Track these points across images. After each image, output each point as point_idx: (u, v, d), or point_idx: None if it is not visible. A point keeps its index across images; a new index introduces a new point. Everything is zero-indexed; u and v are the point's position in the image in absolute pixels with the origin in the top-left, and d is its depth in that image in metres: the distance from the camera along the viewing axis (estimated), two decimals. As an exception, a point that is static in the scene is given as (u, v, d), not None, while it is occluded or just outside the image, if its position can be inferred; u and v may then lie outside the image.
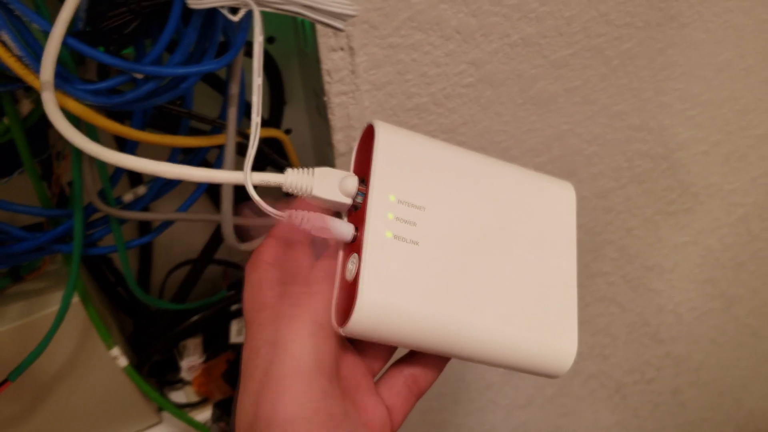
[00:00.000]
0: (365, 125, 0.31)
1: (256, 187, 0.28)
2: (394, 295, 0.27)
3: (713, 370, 0.94)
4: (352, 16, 0.31)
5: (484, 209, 0.31)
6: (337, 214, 0.30)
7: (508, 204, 0.32)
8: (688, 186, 0.70)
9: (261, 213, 0.28)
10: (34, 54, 0.32)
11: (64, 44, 0.30)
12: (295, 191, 0.29)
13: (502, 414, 0.79)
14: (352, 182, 0.29)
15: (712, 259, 0.80)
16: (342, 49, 0.43)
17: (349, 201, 0.29)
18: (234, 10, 0.31)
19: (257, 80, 0.29)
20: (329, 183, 0.29)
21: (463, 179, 0.31)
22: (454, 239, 0.30)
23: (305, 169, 0.29)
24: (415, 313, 0.28)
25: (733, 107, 0.67)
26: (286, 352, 0.26)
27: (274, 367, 0.26)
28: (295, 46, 0.50)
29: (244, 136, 0.41)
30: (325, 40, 0.42)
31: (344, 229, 0.29)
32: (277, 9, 0.30)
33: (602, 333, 0.78)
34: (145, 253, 0.55)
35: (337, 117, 0.46)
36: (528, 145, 0.56)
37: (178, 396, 0.59)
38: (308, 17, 0.31)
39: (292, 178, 0.29)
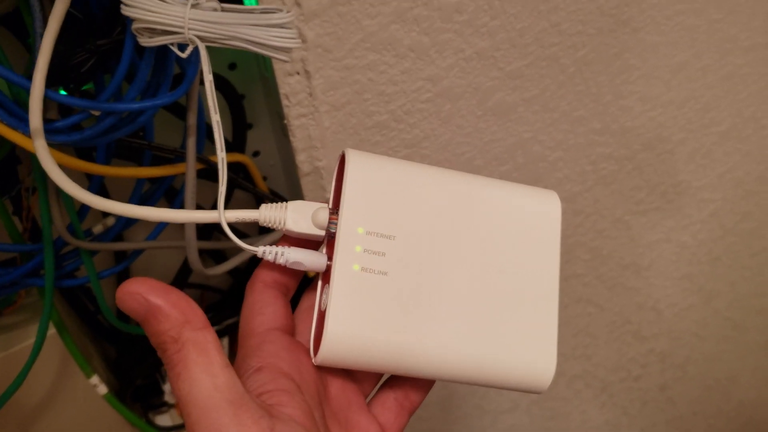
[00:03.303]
0: (340, 153, 0.31)
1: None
2: (361, 327, 0.29)
3: (699, 365, 0.95)
4: (294, 48, 0.32)
5: (459, 231, 0.31)
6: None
7: (487, 223, 0.32)
8: (655, 185, 0.71)
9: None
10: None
11: (24, 88, 0.31)
12: (271, 225, 0.30)
13: (488, 419, 0.80)
14: (323, 215, 0.30)
15: (688, 255, 0.81)
16: (298, 73, 0.44)
17: (322, 233, 0.30)
18: (183, 47, 0.32)
19: (215, 117, 0.30)
20: (302, 216, 0.30)
21: (438, 203, 0.31)
22: (425, 265, 0.30)
23: (279, 204, 0.30)
24: (384, 343, 0.29)
25: (693, 106, 0.68)
26: None
27: None
28: (257, 71, 0.51)
29: (206, 162, 0.42)
30: (280, 65, 0.43)
31: (318, 261, 0.30)
32: (223, 44, 0.32)
33: (583, 333, 0.79)
34: (123, 280, 0.56)
35: (298, 139, 0.47)
36: (491, 155, 0.58)
37: (164, 419, 0.60)
38: (253, 51, 0.32)
39: (266, 214, 0.30)
